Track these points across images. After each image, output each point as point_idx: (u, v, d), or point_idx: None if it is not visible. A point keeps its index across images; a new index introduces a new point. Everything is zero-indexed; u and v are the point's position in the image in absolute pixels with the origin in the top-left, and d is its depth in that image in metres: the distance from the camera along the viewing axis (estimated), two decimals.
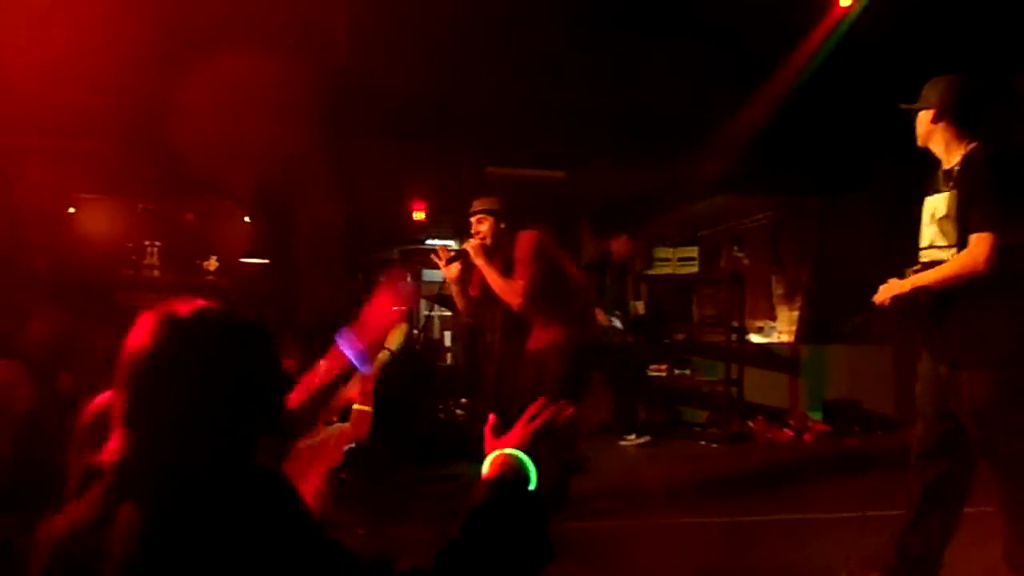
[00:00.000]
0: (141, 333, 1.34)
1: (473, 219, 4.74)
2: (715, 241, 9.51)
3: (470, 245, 4.65)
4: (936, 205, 3.28)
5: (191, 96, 6.29)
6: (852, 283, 7.29)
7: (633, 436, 6.97)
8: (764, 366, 7.49)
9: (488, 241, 4.65)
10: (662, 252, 7.77)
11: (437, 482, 5.55)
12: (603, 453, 6.45)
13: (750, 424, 7.28)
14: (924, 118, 3.37)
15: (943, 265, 3.12)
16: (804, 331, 8.24)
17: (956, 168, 3.23)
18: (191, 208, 8.42)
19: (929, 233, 3.32)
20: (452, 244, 11.36)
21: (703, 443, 7.09)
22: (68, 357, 6.17)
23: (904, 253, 7.86)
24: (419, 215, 10.30)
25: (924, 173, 7.92)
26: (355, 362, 2.32)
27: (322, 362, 2.34)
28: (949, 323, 3.10)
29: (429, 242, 11.44)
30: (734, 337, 7.21)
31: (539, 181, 9.24)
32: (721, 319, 7.69)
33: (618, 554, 4.14)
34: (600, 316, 6.41)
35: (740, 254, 6.74)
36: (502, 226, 4.67)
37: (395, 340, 4.35)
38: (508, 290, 4.58)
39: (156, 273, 7.84)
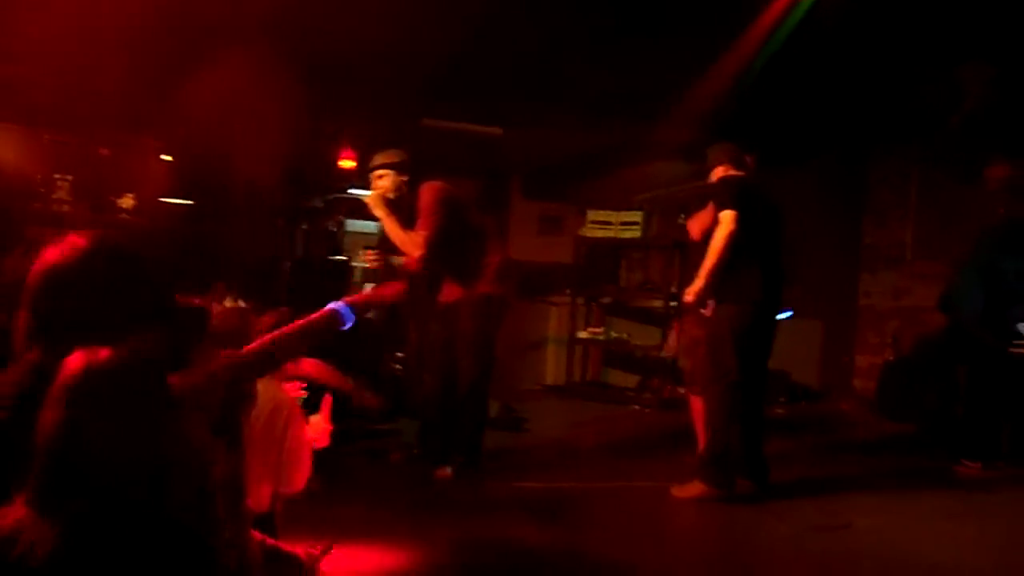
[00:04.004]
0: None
1: (373, 175, 4.72)
2: (650, 207, 9.52)
3: (371, 198, 4.64)
4: None
5: (108, 23, 5.92)
6: (785, 256, 7.38)
7: None
8: None
9: (391, 195, 4.61)
10: (602, 215, 7.73)
11: (372, 437, 5.43)
12: (541, 415, 6.43)
13: (680, 390, 7.35)
14: None
15: None
16: None
17: None
18: (105, 143, 8.03)
19: None
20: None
21: (636, 407, 7.15)
22: None
23: (838, 230, 8.04)
24: (348, 163, 10.00)
25: (863, 154, 8.12)
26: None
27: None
28: None
29: (354, 192, 11.16)
30: (673, 303, 7.25)
31: (476, 136, 9.09)
32: (659, 285, 7.72)
33: (550, 515, 4.10)
34: None
35: (684, 221, 6.74)
36: (404, 179, 4.64)
37: None
38: (408, 242, 4.55)
39: (67, 208, 7.48)
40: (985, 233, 5.40)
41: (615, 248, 8.38)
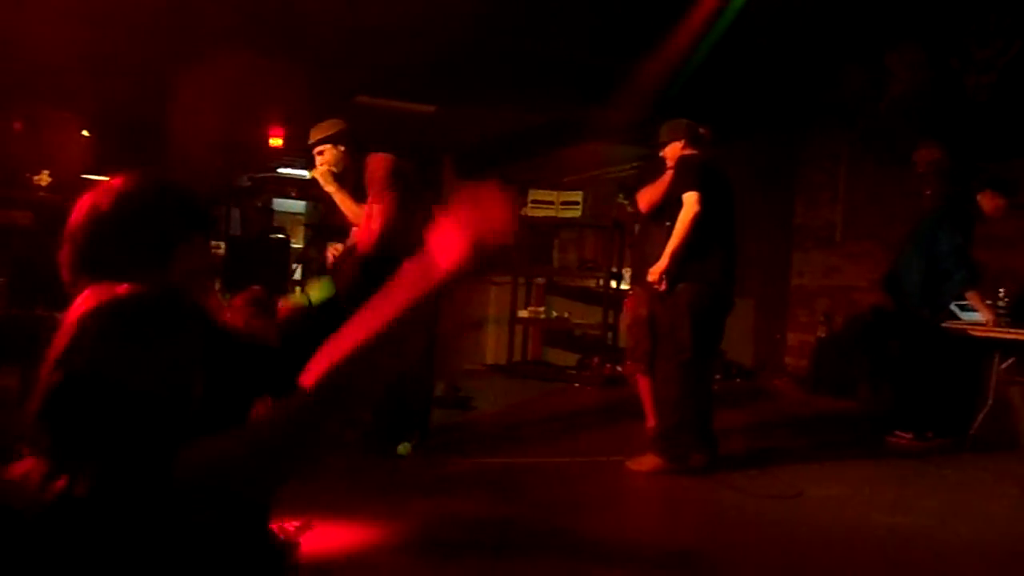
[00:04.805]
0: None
1: (314, 152, 4.59)
2: (586, 187, 9.60)
3: (318, 173, 4.52)
4: None
5: None
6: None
7: None
8: None
9: (335, 169, 4.51)
10: (543, 195, 7.74)
11: None
12: (486, 393, 6.41)
13: (619, 368, 7.45)
14: None
15: None
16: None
17: None
18: (19, 116, 7.72)
19: None
20: (306, 174, 10.96)
21: (577, 385, 7.21)
22: None
23: (770, 210, 8.20)
24: (276, 141, 9.80)
25: (794, 135, 8.30)
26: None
27: None
28: None
29: (282, 171, 10.96)
30: (613, 283, 7.33)
31: (408, 114, 9.00)
32: (599, 264, 7.79)
33: (512, 490, 4.14)
34: None
35: (625, 202, 6.82)
36: (342, 149, 4.53)
37: (318, 292, 4.16)
38: (362, 215, 4.47)
39: None
40: (925, 214, 5.60)
41: (551, 228, 8.42)
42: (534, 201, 7.71)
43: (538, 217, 7.72)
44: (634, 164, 9.19)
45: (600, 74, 7.31)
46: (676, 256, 4.36)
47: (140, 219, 1.41)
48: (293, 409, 1.24)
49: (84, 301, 1.24)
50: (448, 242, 1.26)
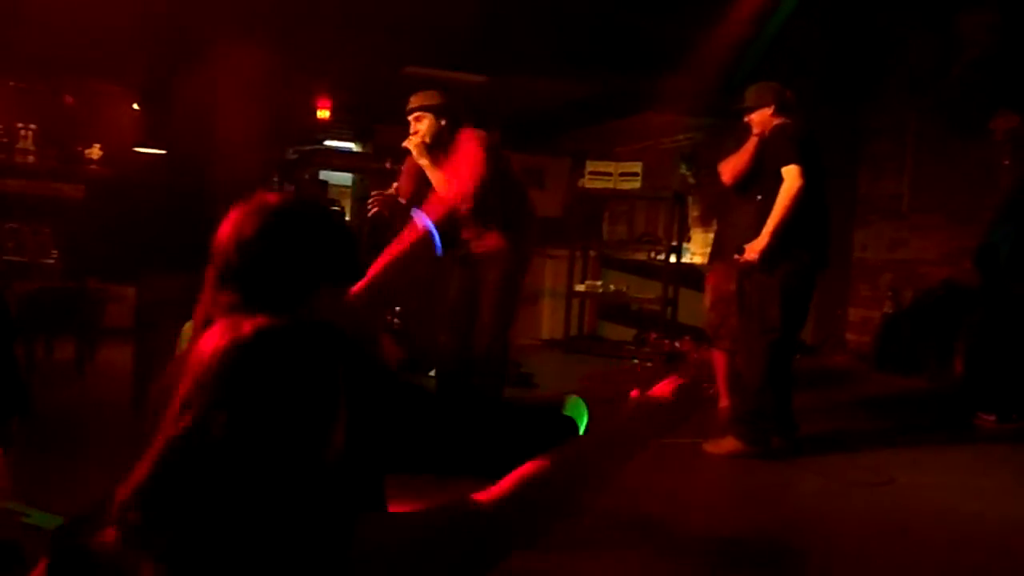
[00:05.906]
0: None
1: (410, 117, 4.35)
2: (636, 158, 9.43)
3: (411, 144, 4.29)
4: None
5: None
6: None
7: None
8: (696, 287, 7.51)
9: (428, 140, 4.27)
10: (601, 166, 7.56)
11: None
12: (545, 370, 6.29)
13: (676, 344, 7.31)
14: None
15: None
16: None
17: None
18: (71, 90, 7.72)
19: None
20: (353, 147, 10.84)
21: (636, 361, 7.08)
22: None
23: (833, 180, 7.96)
24: (323, 113, 9.69)
25: (860, 103, 8.03)
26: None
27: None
28: None
29: (329, 143, 10.86)
30: (673, 257, 7.16)
31: (458, 85, 8.84)
32: (653, 237, 7.62)
33: None
34: None
35: (687, 172, 6.63)
36: (443, 123, 4.28)
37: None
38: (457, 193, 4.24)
39: (31, 158, 7.22)
40: (1008, 183, 5.38)
41: (601, 200, 8.25)
42: (591, 172, 7.54)
43: (596, 189, 7.54)
44: (689, 135, 9.00)
45: (658, 43, 7.10)
46: (777, 233, 4.13)
47: (287, 244, 1.32)
48: (508, 499, 1.11)
49: (211, 338, 1.05)
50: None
